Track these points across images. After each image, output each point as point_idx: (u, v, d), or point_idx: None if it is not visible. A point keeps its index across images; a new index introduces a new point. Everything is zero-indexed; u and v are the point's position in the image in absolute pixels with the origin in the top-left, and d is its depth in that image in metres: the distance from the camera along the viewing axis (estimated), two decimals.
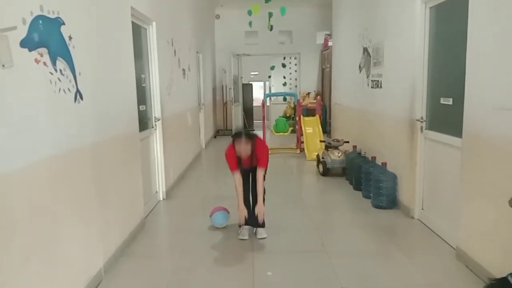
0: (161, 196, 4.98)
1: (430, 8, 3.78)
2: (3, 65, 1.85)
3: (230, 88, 11.45)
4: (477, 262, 2.90)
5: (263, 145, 3.61)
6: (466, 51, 3.01)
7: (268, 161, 3.60)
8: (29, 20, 2.06)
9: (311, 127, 8.04)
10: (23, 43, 2.00)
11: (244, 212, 3.61)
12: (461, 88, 3.08)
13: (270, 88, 14.26)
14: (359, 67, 6.15)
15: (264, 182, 3.62)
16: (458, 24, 3.21)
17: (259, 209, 3.57)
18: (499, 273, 2.59)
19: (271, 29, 9.60)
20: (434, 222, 3.77)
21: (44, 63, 2.20)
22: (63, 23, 2.42)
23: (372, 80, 5.46)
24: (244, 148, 3.40)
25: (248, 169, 3.63)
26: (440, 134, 3.62)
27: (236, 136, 3.46)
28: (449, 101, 3.47)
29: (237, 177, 3.56)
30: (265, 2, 8.09)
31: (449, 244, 3.42)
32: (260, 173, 3.55)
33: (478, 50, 2.89)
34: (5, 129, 1.87)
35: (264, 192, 3.67)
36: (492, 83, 2.71)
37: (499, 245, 2.66)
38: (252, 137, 3.46)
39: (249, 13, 8.59)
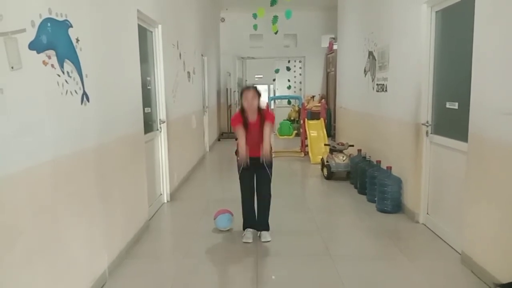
0: (165, 198, 4.99)
1: (436, 12, 3.78)
2: (12, 67, 1.87)
3: (234, 91, 11.47)
4: (482, 267, 2.88)
5: (269, 111, 3.97)
6: (472, 56, 3.01)
7: (274, 120, 3.64)
8: (38, 22, 2.08)
9: (315, 130, 8.03)
10: (32, 45, 2.02)
11: (246, 150, 3.48)
12: (467, 93, 3.08)
13: (274, 91, 14.25)
14: (364, 70, 6.15)
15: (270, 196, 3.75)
16: (464, 28, 3.21)
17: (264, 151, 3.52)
18: (504, 278, 2.58)
19: (276, 33, 9.61)
20: (439, 226, 3.76)
21: (52, 65, 2.22)
22: (71, 26, 2.45)
23: (377, 84, 5.45)
24: (251, 97, 3.53)
25: (253, 170, 3.64)
26: (446, 138, 3.61)
27: (246, 87, 3.72)
28: (455, 105, 3.46)
29: (240, 131, 3.54)
30: (271, 6, 8.11)
31: (454, 249, 3.41)
32: (267, 127, 3.53)
33: (484, 55, 2.88)
34: (12, 129, 1.88)
35: (270, 197, 3.75)
36: (498, 87, 2.70)
37: (505, 250, 2.64)
38: (259, 94, 3.63)
39: (254, 16, 8.62)
